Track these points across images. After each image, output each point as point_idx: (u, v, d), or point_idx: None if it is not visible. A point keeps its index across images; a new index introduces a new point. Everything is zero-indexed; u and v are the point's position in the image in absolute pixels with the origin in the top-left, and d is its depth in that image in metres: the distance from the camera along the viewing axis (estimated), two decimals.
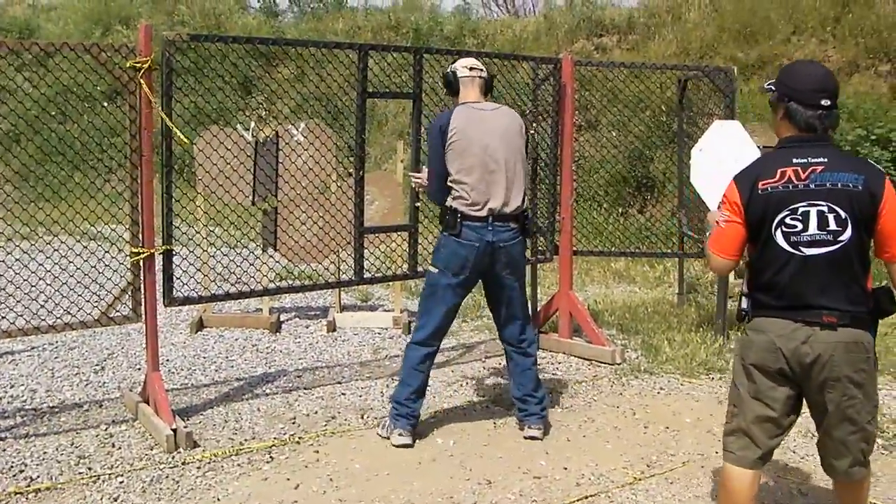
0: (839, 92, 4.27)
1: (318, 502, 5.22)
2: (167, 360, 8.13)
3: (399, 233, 8.00)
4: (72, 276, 6.79)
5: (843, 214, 3.99)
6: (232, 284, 8.66)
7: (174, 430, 6.01)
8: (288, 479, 5.53)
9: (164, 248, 6.42)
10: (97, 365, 8.13)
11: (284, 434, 6.35)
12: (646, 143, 14.27)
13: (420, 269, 7.59)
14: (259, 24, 23.90)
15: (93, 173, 7.28)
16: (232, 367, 8.13)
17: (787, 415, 4.26)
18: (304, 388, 7.45)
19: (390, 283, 9.77)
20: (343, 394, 7.31)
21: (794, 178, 4.07)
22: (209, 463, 5.80)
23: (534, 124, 8.48)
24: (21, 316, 6.75)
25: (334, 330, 9.52)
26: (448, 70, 6.34)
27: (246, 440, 6.23)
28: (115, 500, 5.23)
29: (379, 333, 9.31)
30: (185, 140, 6.39)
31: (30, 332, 6.40)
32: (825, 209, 4.01)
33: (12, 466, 5.69)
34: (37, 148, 7.00)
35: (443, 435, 6.34)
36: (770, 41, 16.44)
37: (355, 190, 7.34)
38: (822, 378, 4.06)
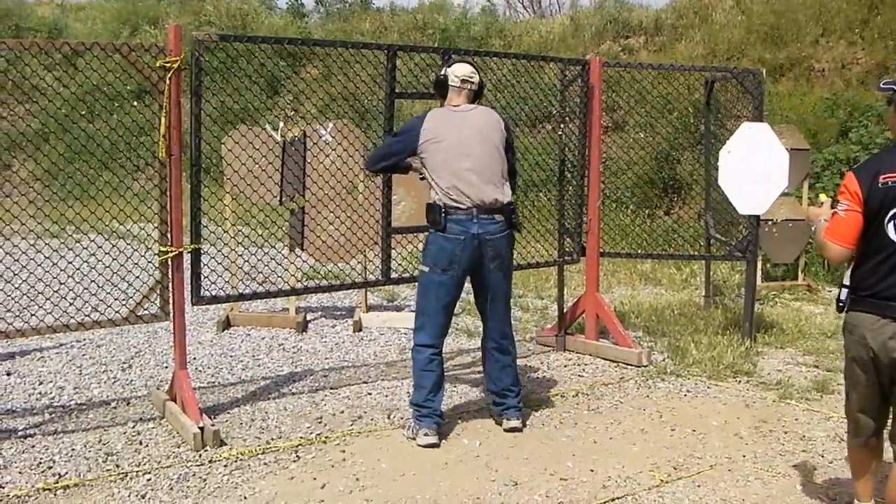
0: None
1: (345, 502, 5.22)
2: (194, 359, 8.16)
3: (425, 233, 8.00)
4: (101, 274, 6.84)
5: None
6: (259, 284, 8.69)
7: (201, 429, 6.03)
8: (314, 479, 5.54)
9: (192, 246, 6.44)
10: (125, 363, 8.17)
11: (311, 433, 6.36)
12: (673, 145, 14.23)
13: None
14: (285, 24, 23.96)
15: (121, 172, 7.31)
16: (259, 366, 8.15)
17: (886, 401, 4.57)
18: (331, 388, 7.46)
19: (416, 284, 9.76)
20: (369, 393, 7.32)
21: None
22: (236, 461, 5.81)
23: (561, 125, 8.46)
24: (50, 313, 6.78)
25: (360, 330, 9.53)
26: (441, 73, 6.43)
27: (272, 439, 6.24)
28: (143, 497, 5.25)
29: (405, 334, 9.30)
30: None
31: (59, 330, 6.42)
32: None
33: (41, 463, 5.72)
34: (66, 147, 7.03)
35: (469, 436, 6.33)
36: (798, 43, 16.37)
37: (383, 190, 7.35)
38: None
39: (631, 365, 8.11)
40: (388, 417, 6.71)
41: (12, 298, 6.91)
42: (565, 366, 8.21)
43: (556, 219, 8.57)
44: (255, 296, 7.38)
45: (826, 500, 5.29)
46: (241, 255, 8.97)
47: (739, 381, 7.68)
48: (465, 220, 6.07)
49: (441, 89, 6.37)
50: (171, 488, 5.38)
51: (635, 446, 6.17)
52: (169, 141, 6.23)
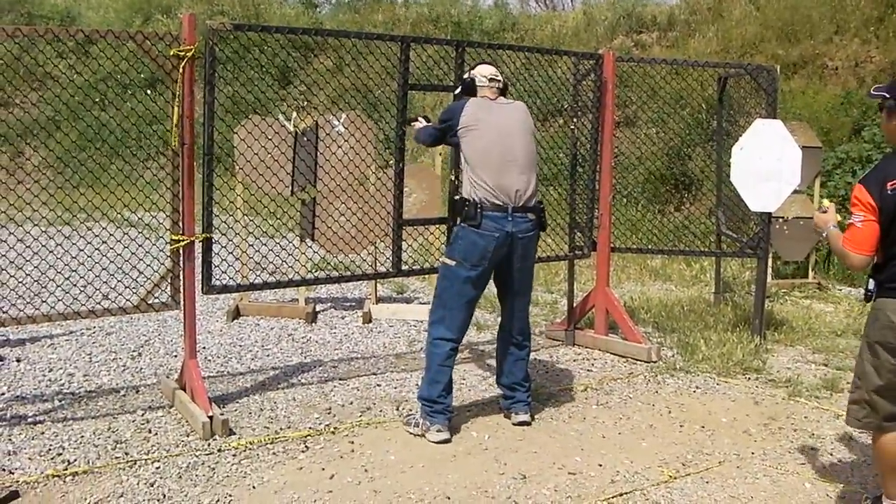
0: None
1: (353, 493, 5.23)
2: (203, 348, 8.17)
3: (436, 226, 8.00)
4: (111, 262, 6.84)
5: None
6: (269, 274, 8.69)
7: (210, 418, 6.04)
8: (323, 469, 5.55)
9: (203, 235, 6.44)
10: (134, 351, 8.18)
11: (320, 424, 6.36)
12: (684, 141, 14.20)
13: None
14: (297, 14, 23.95)
15: (133, 160, 7.32)
16: (268, 356, 8.16)
17: None
18: (340, 379, 7.47)
19: (426, 276, 9.77)
20: (378, 385, 7.32)
21: None
22: (245, 451, 5.82)
23: (573, 120, 8.45)
24: (61, 300, 6.79)
25: (370, 321, 9.54)
26: (467, 78, 6.47)
27: (281, 429, 6.24)
28: (152, 485, 5.26)
29: (414, 326, 9.31)
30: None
31: (69, 317, 6.43)
32: None
33: (50, 449, 5.74)
34: (78, 134, 7.05)
35: (478, 429, 6.33)
36: (812, 40, 16.32)
37: (394, 182, 7.35)
38: None
39: (640, 360, 8.10)
40: (398, 409, 6.71)
41: (24, 285, 6.93)
42: (574, 360, 8.21)
43: (568, 213, 8.56)
44: (265, 285, 7.38)
45: (835, 498, 5.28)
46: (251, 245, 9.01)
47: (749, 379, 7.67)
48: (501, 218, 6.07)
49: (470, 91, 6.38)
50: (180, 477, 5.39)
51: (644, 442, 6.17)
52: (182, 130, 6.23)
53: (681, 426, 6.50)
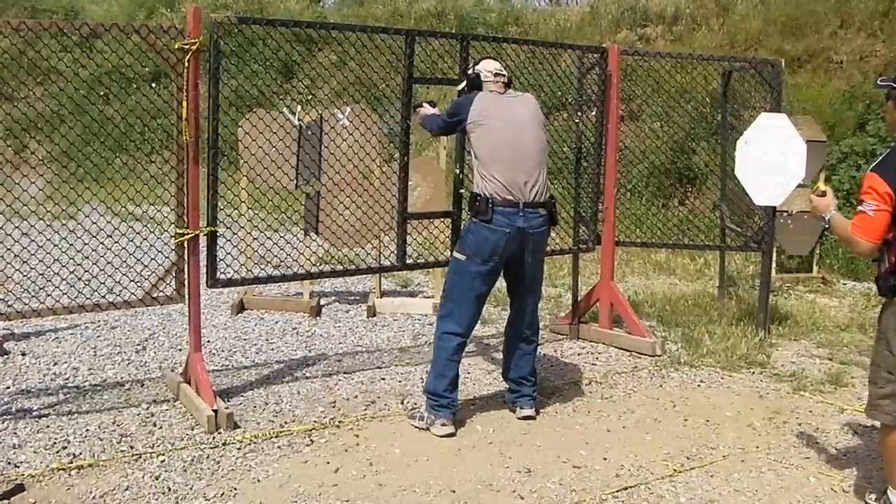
0: None
1: (358, 486, 5.23)
2: (208, 342, 8.18)
3: (441, 219, 8.00)
4: (116, 255, 6.85)
5: None
6: (274, 267, 8.69)
7: (215, 411, 6.05)
8: (328, 463, 5.55)
9: (208, 229, 6.44)
10: (139, 345, 8.19)
11: (324, 417, 6.37)
12: (689, 135, 14.18)
13: None
14: (301, 8, 23.90)
15: (137, 154, 7.33)
16: (272, 349, 8.16)
17: None
18: (344, 373, 7.47)
19: (430, 270, 9.77)
20: (383, 378, 7.33)
21: None
22: (249, 444, 5.83)
23: (578, 113, 8.44)
24: (65, 294, 6.80)
25: (374, 315, 9.55)
26: (471, 73, 6.44)
27: (286, 423, 6.25)
28: (157, 478, 5.27)
29: (418, 319, 9.31)
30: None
31: (74, 311, 6.45)
32: None
33: (55, 443, 5.75)
34: (83, 128, 7.05)
35: (482, 422, 6.34)
36: (817, 34, 16.28)
37: (399, 175, 7.34)
38: None
39: (645, 354, 8.10)
40: (402, 403, 6.72)
41: (28, 279, 6.93)
42: (579, 354, 8.21)
43: (572, 207, 8.55)
44: (269, 279, 7.39)
45: (840, 492, 5.28)
46: (256, 239, 9.00)
47: (753, 373, 7.67)
48: (513, 213, 6.05)
49: (476, 87, 6.36)
50: (185, 470, 5.40)
51: (648, 435, 6.17)
52: (187, 123, 6.22)
53: (685, 420, 6.50)
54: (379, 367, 7.66)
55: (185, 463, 5.50)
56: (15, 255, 6.37)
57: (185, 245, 6.42)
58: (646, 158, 13.58)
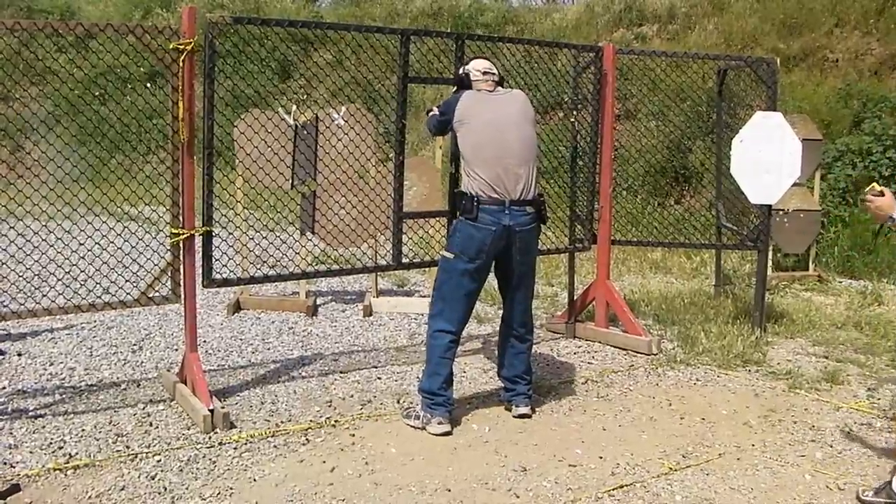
0: None
1: (354, 485, 5.23)
2: (204, 342, 8.17)
3: (437, 218, 8.00)
4: (112, 255, 6.84)
5: None
6: (270, 267, 8.69)
7: (211, 411, 6.04)
8: (324, 462, 5.55)
9: (203, 229, 6.44)
10: (135, 345, 8.19)
11: (321, 417, 6.37)
12: (685, 134, 14.20)
13: None
14: (298, 8, 23.93)
15: (133, 154, 7.33)
16: (269, 349, 8.16)
17: None
18: (341, 372, 7.47)
19: (427, 269, 9.78)
20: (379, 378, 7.33)
21: None
22: (246, 444, 5.82)
23: (574, 112, 8.45)
24: (61, 295, 6.80)
25: (370, 314, 9.55)
26: (461, 72, 6.44)
27: (282, 422, 6.25)
28: (153, 478, 5.27)
29: (415, 319, 9.31)
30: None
31: (70, 311, 6.45)
32: None
33: (52, 443, 5.75)
34: (78, 129, 7.04)
35: (478, 421, 6.34)
36: (812, 33, 16.31)
37: (395, 175, 7.34)
38: None
39: (641, 353, 8.11)
40: (398, 402, 6.72)
41: (24, 279, 6.93)
42: (575, 353, 8.21)
43: (568, 206, 8.55)
44: (265, 279, 7.39)
45: (835, 490, 5.28)
46: (252, 239, 9.00)
47: (749, 371, 7.68)
48: (498, 211, 6.06)
49: (465, 86, 6.35)
50: (181, 470, 5.40)
51: (644, 434, 6.17)
52: (183, 123, 6.23)
53: (681, 418, 6.50)
54: (375, 367, 7.66)
55: (182, 463, 5.50)
56: (10, 256, 6.37)
57: (181, 245, 6.42)
58: (642, 157, 13.60)
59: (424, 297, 10.03)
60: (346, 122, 8.57)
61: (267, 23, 7.15)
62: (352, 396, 6.85)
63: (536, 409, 6.56)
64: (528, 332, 6.57)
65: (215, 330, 8.78)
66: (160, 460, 5.53)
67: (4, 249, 6.34)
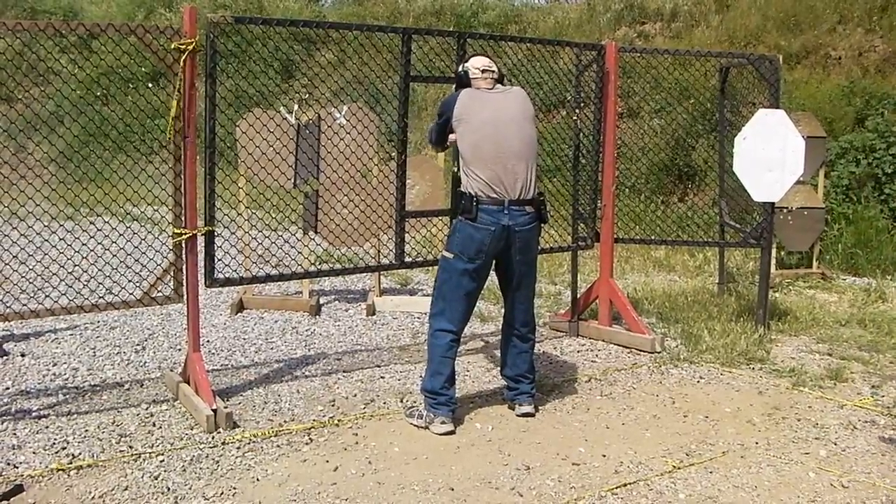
0: None
1: (357, 485, 5.23)
2: (207, 342, 8.18)
3: (439, 217, 8.00)
4: (114, 256, 6.85)
5: None
6: (273, 267, 8.70)
7: (214, 411, 6.04)
8: (327, 461, 5.55)
9: (206, 229, 6.44)
10: (138, 345, 8.19)
11: (324, 416, 6.37)
12: (688, 132, 14.19)
13: None
14: (300, 8, 23.93)
15: (135, 154, 7.34)
16: (272, 349, 8.16)
17: None
18: (344, 371, 7.47)
19: (429, 268, 9.77)
20: (382, 377, 7.33)
21: None
22: (249, 443, 5.82)
23: (576, 111, 8.44)
24: (64, 295, 6.80)
25: (373, 314, 9.55)
26: (460, 70, 6.41)
27: (285, 422, 6.25)
28: (156, 478, 5.27)
29: (418, 318, 9.31)
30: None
31: (73, 311, 6.45)
32: None
33: (55, 443, 5.75)
34: (81, 129, 7.05)
35: (481, 420, 6.33)
36: (815, 30, 16.29)
37: (397, 174, 7.34)
38: None
39: (644, 351, 8.10)
40: (401, 401, 6.71)
41: (27, 280, 6.93)
42: (578, 351, 8.21)
43: (571, 204, 8.54)
44: (268, 278, 7.38)
45: (839, 488, 5.27)
46: (254, 238, 9.00)
47: (752, 369, 7.67)
48: (497, 212, 6.04)
49: (464, 85, 6.31)
50: (184, 470, 5.40)
51: (648, 432, 6.17)
52: (184, 123, 6.23)
53: (685, 416, 6.49)
54: (378, 366, 7.66)
55: (185, 463, 5.50)
56: (13, 256, 6.37)
57: (184, 245, 6.42)
58: (645, 155, 13.60)
59: (427, 295, 9.99)
60: (348, 121, 8.57)
61: (269, 22, 7.14)
62: (355, 396, 6.85)
63: (539, 408, 6.55)
64: (530, 332, 6.55)
65: (218, 330, 8.78)
66: (163, 460, 5.53)
67: (7, 250, 6.33)
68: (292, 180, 8.97)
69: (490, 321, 9.09)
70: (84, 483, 5.19)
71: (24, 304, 6.87)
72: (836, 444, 5.96)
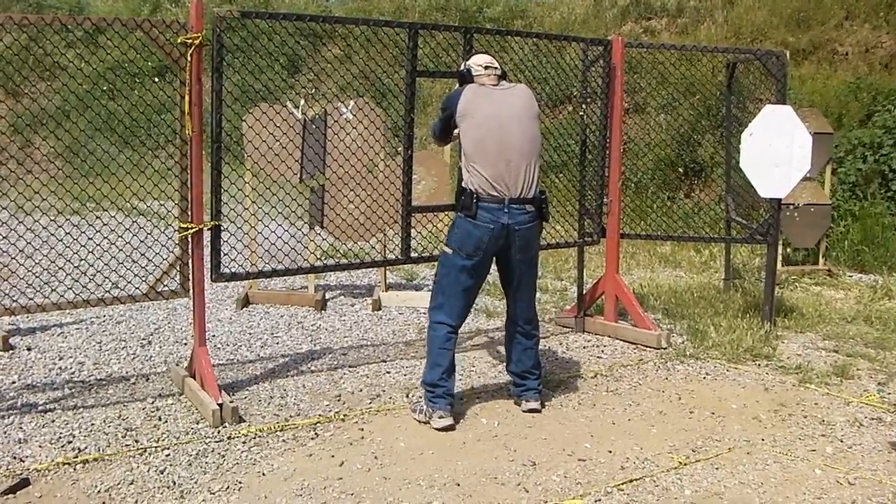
0: None
1: (363, 480, 5.23)
2: (213, 336, 8.19)
3: (446, 212, 7.99)
4: (121, 250, 6.85)
5: None
6: (279, 261, 8.70)
7: (220, 405, 6.04)
8: (332, 456, 5.55)
9: (212, 223, 6.44)
10: (144, 339, 8.20)
11: (329, 411, 6.37)
12: (694, 128, 14.17)
13: None
14: (306, 3, 23.92)
15: (142, 149, 7.34)
16: (277, 343, 8.17)
17: None
18: (349, 366, 7.47)
19: (435, 263, 9.76)
20: (388, 372, 7.33)
21: None
22: (255, 438, 5.82)
23: (583, 106, 8.43)
24: (70, 289, 6.81)
25: (379, 309, 9.55)
26: (463, 68, 6.38)
27: (291, 416, 6.25)
28: (162, 472, 5.27)
29: (424, 313, 9.26)
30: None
31: (79, 305, 6.45)
32: None
33: (60, 437, 5.75)
34: (87, 123, 7.06)
35: (487, 415, 6.33)
36: (822, 26, 16.27)
37: (403, 169, 7.34)
38: None
39: (650, 347, 8.09)
40: (407, 396, 6.71)
41: (33, 274, 6.93)
42: (584, 347, 8.20)
43: (577, 200, 8.53)
44: (274, 273, 7.38)
45: (846, 485, 5.27)
46: (260, 233, 9.00)
47: (759, 365, 7.66)
48: (497, 210, 6.02)
49: (468, 82, 6.30)
50: (190, 464, 5.40)
51: (654, 428, 6.16)
52: (191, 118, 6.22)
53: (691, 413, 6.49)
54: (384, 361, 7.66)
55: (190, 457, 5.50)
56: (20, 251, 6.37)
57: (190, 239, 6.42)
58: (651, 151, 13.58)
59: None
60: (354, 116, 8.57)
61: (275, 17, 7.13)
62: (360, 391, 6.85)
63: (545, 404, 6.55)
64: (534, 328, 6.53)
65: (224, 324, 8.79)
66: (169, 454, 5.53)
67: (14, 244, 6.34)
68: (298, 175, 8.97)
69: (496, 317, 9.08)
70: (90, 477, 5.19)
71: (31, 299, 6.89)
72: (842, 441, 5.95)
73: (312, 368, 7.41)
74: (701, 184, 14.76)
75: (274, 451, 5.62)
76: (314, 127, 8.85)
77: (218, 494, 5.01)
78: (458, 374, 6.55)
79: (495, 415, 6.35)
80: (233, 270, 6.90)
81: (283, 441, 5.79)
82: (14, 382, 6.91)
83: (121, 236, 6.73)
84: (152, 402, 6.47)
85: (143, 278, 6.94)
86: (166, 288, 6.64)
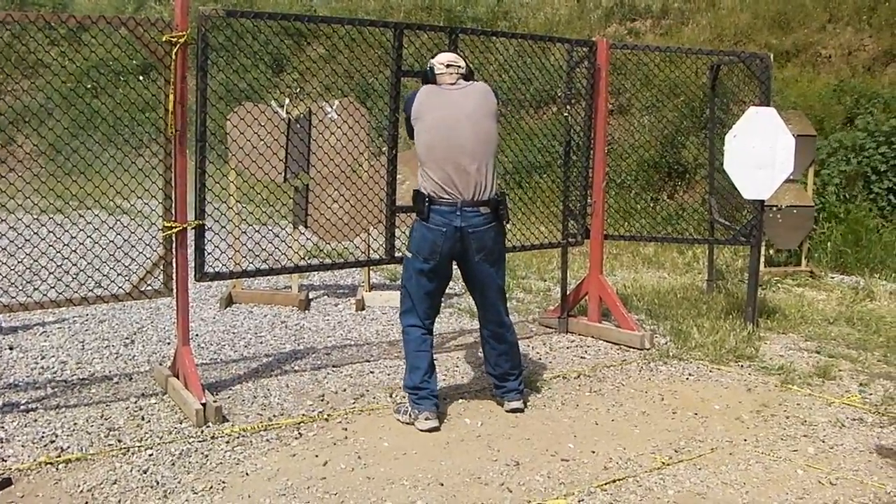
0: None
1: (346, 479, 5.23)
2: (196, 336, 8.18)
3: None
4: (104, 249, 6.83)
5: None
6: (263, 261, 8.69)
7: (203, 405, 6.03)
8: (316, 456, 5.54)
9: (196, 222, 6.43)
10: (127, 338, 8.18)
11: (313, 411, 6.36)
12: (678, 129, 14.21)
13: None
14: (291, 2, 23.89)
15: (126, 147, 7.31)
16: (261, 343, 8.16)
17: None
18: (333, 366, 7.47)
19: None
20: (371, 372, 7.33)
21: None
22: (238, 438, 5.82)
23: (567, 107, 8.44)
24: (53, 288, 6.78)
25: (363, 308, 9.55)
26: (427, 67, 6.32)
27: (275, 416, 6.24)
28: (145, 472, 5.26)
29: None
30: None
31: (62, 305, 6.43)
32: None
33: (43, 436, 5.73)
34: (70, 122, 7.02)
35: (471, 416, 6.33)
36: (805, 29, 16.33)
37: (388, 168, 7.34)
38: None
39: (633, 348, 8.11)
40: (391, 396, 6.71)
41: (15, 273, 6.92)
42: (567, 348, 8.21)
43: (561, 201, 8.54)
44: (258, 273, 7.36)
45: (827, 485, 5.29)
46: (244, 232, 8.99)
47: (741, 366, 7.68)
48: (449, 213, 5.97)
49: (430, 81, 6.24)
50: (173, 464, 5.39)
51: (637, 428, 6.18)
52: (175, 116, 6.21)
53: (673, 413, 6.50)
54: (368, 361, 7.65)
55: (174, 457, 5.49)
56: (2, 249, 6.35)
57: (173, 238, 6.41)
58: (635, 152, 13.60)
59: None
60: (339, 115, 8.56)
61: (260, 16, 7.12)
62: (344, 390, 6.85)
63: (529, 404, 6.56)
64: (506, 331, 6.46)
65: (207, 324, 8.77)
66: (152, 454, 5.52)
67: None
68: (282, 174, 8.96)
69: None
70: (73, 477, 5.18)
71: (13, 297, 6.87)
72: (824, 442, 5.97)
73: (296, 368, 7.40)
74: (685, 185, 14.80)
75: (257, 451, 5.61)
76: (298, 126, 8.84)
77: (201, 494, 5.00)
78: (441, 375, 6.56)
79: (479, 415, 6.35)
80: (217, 270, 6.89)
81: (267, 441, 5.79)
82: None
83: (104, 235, 6.71)
84: (135, 402, 6.46)
85: (127, 277, 6.92)
86: (150, 287, 6.63)
